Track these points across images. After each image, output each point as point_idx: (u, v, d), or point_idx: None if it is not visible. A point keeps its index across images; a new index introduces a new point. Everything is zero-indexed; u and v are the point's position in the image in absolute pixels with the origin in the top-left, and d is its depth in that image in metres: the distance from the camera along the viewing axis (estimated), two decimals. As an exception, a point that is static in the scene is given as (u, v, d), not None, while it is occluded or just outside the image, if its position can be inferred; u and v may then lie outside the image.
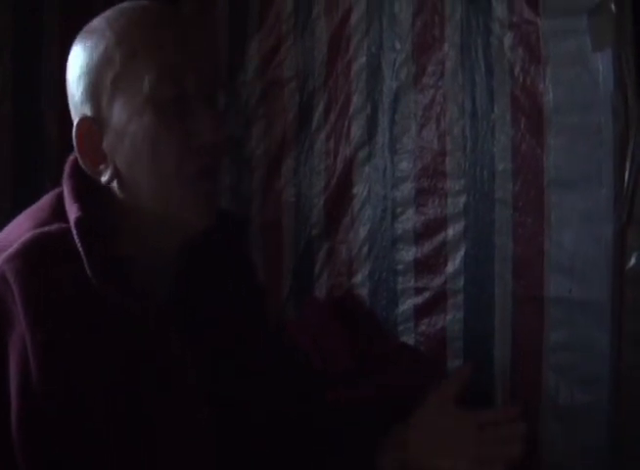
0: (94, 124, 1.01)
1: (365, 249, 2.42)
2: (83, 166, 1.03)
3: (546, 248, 2.01)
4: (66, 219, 1.01)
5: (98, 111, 1.01)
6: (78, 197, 1.02)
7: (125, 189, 1.02)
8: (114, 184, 1.02)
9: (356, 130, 2.43)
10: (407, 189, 2.31)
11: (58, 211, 1.03)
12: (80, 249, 0.98)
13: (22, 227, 1.02)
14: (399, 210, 2.33)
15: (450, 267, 2.22)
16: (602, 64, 1.86)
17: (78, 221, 0.99)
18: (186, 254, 1.09)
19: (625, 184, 1.83)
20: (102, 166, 1.02)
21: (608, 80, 1.85)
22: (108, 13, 1.05)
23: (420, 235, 2.29)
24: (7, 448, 0.94)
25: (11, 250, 0.98)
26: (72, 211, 1.00)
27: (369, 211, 2.41)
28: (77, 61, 1.03)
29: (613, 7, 1.82)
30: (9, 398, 0.95)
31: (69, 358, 0.96)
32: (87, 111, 1.02)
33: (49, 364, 0.95)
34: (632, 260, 1.84)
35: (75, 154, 1.04)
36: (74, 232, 0.98)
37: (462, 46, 2.16)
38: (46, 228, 1.00)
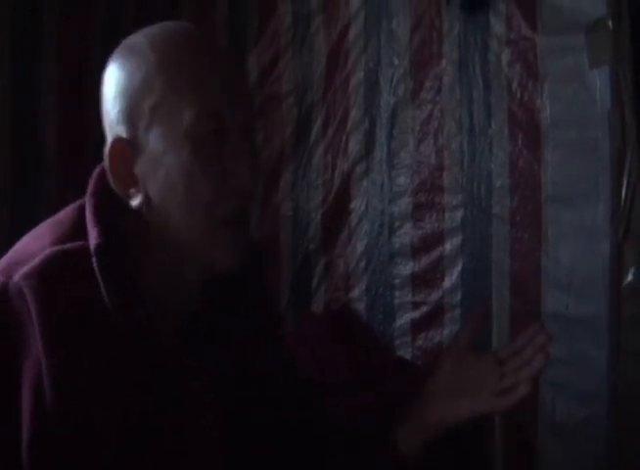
0: (128, 146, 1.00)
1: (362, 263, 2.42)
2: (113, 187, 1.01)
3: (543, 263, 2.01)
4: (86, 236, 1.00)
5: (134, 134, 0.99)
6: (100, 220, 1.01)
7: (154, 217, 1.01)
8: (144, 209, 1.01)
9: (354, 145, 2.43)
10: (405, 204, 2.32)
11: (78, 227, 1.02)
12: (99, 276, 0.97)
13: (41, 241, 1.01)
14: (397, 224, 2.34)
15: (447, 282, 2.22)
16: (599, 80, 1.87)
17: (98, 248, 0.98)
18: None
19: (622, 200, 1.84)
20: (133, 190, 1.01)
21: (605, 97, 1.86)
22: (150, 32, 1.03)
23: (417, 250, 2.29)
24: (17, 468, 0.93)
25: (30, 266, 0.97)
26: (93, 236, 0.99)
27: (366, 226, 2.41)
28: (115, 79, 1.02)
29: (610, 24, 1.83)
30: (20, 416, 0.94)
31: (85, 381, 0.95)
32: (122, 132, 1.00)
33: (64, 386, 0.94)
34: (629, 276, 1.84)
35: (104, 167, 1.02)
36: (94, 259, 0.97)
37: (460, 62, 2.17)
38: (67, 246, 0.99)
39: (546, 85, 1.98)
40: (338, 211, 2.45)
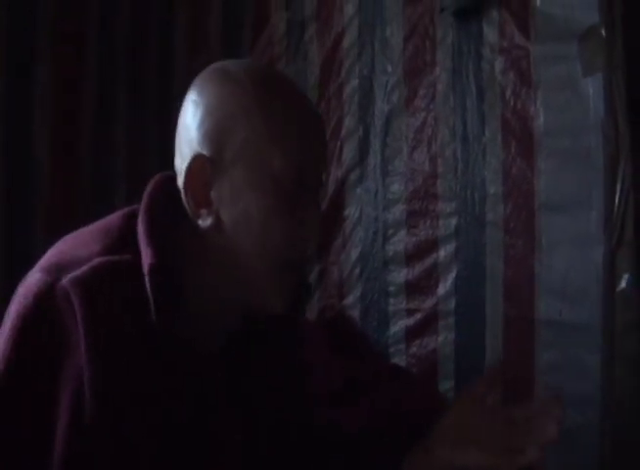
0: (210, 165, 1.00)
1: (357, 270, 2.43)
2: (185, 202, 1.02)
3: (537, 270, 2.02)
4: (135, 248, 1.00)
5: (218, 157, 1.00)
6: (155, 237, 1.01)
7: (221, 243, 1.02)
8: (211, 233, 1.02)
9: (348, 152, 2.44)
10: (399, 211, 2.32)
11: (127, 237, 1.02)
12: (150, 295, 0.97)
13: (88, 248, 1.01)
14: (391, 231, 2.34)
15: (441, 289, 2.23)
16: (592, 88, 1.88)
17: (152, 268, 0.98)
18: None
19: (616, 207, 1.85)
20: (204, 211, 1.01)
21: (598, 105, 1.87)
22: (245, 65, 1.05)
23: (411, 257, 2.30)
24: None
25: (79, 272, 0.96)
26: (147, 254, 0.99)
27: (360, 233, 2.42)
28: (206, 98, 1.02)
29: (603, 32, 1.84)
30: (54, 423, 0.93)
31: (126, 395, 0.95)
32: (205, 151, 1.00)
33: (105, 398, 0.93)
34: (623, 283, 1.85)
35: (179, 184, 1.02)
36: (147, 278, 0.97)
37: (453, 70, 2.18)
38: (116, 258, 0.99)
39: (539, 93, 1.99)
40: (332, 219, 2.46)
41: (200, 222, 1.01)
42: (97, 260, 0.98)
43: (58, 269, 0.97)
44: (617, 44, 1.84)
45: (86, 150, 2.43)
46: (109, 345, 0.94)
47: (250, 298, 1.04)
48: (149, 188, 1.07)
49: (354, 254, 2.43)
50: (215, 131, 1.00)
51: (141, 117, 2.58)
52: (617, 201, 1.84)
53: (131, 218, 1.04)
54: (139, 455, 0.95)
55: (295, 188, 1.01)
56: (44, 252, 1.05)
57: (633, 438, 1.85)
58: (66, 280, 0.95)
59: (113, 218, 1.07)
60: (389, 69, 2.33)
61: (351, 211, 2.44)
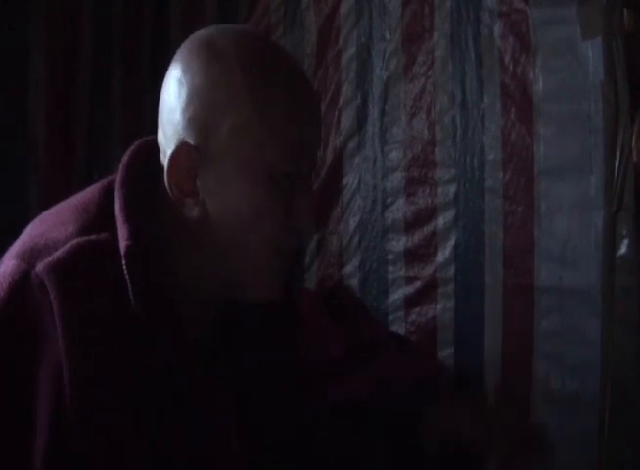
0: (195, 154, 0.95)
1: (355, 239, 2.42)
2: (169, 191, 0.97)
3: (536, 236, 2.01)
4: (113, 226, 0.96)
5: (204, 145, 0.95)
6: (131, 215, 0.96)
7: (206, 232, 0.97)
8: (196, 222, 0.97)
9: (346, 121, 2.42)
10: (397, 179, 2.31)
11: (105, 215, 0.97)
12: (127, 278, 0.93)
13: (65, 228, 0.96)
14: (389, 199, 2.33)
15: (441, 257, 2.22)
16: (592, 52, 1.86)
17: (128, 250, 0.94)
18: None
19: (616, 172, 1.84)
20: (189, 200, 0.97)
21: (598, 68, 1.86)
22: (235, 39, 0.97)
23: (410, 225, 2.29)
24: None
25: (54, 257, 0.92)
26: (123, 235, 0.94)
27: (359, 202, 2.41)
28: (190, 79, 0.95)
29: (602, -5, 1.83)
30: (33, 422, 0.90)
31: (108, 385, 0.92)
32: (190, 139, 0.95)
33: (86, 390, 0.90)
34: (623, 248, 1.85)
35: (164, 162, 0.97)
36: (123, 261, 0.93)
37: (452, 36, 2.16)
38: (93, 238, 0.95)
39: (538, 57, 1.98)
40: (330, 188, 2.44)
41: (185, 211, 0.97)
42: (72, 243, 0.94)
43: (32, 255, 0.94)
44: (616, 7, 1.82)
45: (82, 116, 2.42)
46: (86, 332, 0.91)
47: (235, 285, 1.00)
48: (125, 159, 1.02)
49: (353, 222, 2.42)
50: (201, 118, 0.94)
51: (137, 85, 2.56)
52: (616, 165, 1.83)
53: (109, 192, 1.00)
54: (123, 441, 0.92)
55: (288, 178, 0.96)
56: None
57: (632, 402, 1.85)
58: (41, 266, 0.92)
59: (91, 192, 1.02)
60: (388, 35, 2.31)
61: (350, 180, 2.42)
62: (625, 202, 1.84)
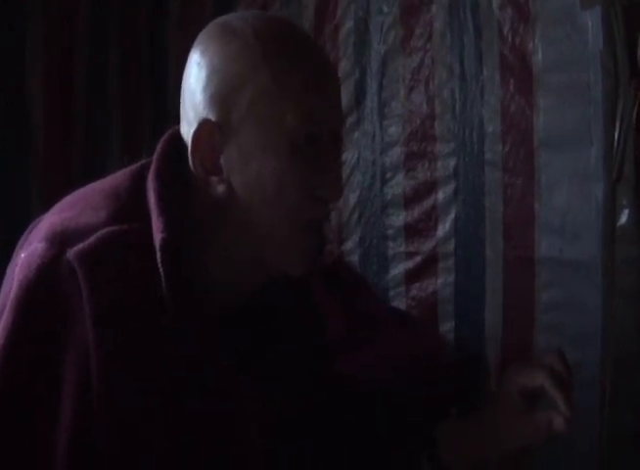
0: (217, 131, 0.96)
1: (355, 215, 2.41)
2: (194, 171, 0.98)
3: (536, 208, 2.00)
4: (145, 214, 0.96)
5: (225, 121, 0.96)
6: (166, 207, 0.96)
7: (234, 210, 0.98)
8: (223, 200, 0.97)
9: (344, 96, 2.37)
10: (396, 154, 2.30)
11: (137, 202, 0.98)
12: (162, 271, 0.93)
13: (97, 214, 0.97)
14: (389, 174, 2.32)
15: (441, 231, 2.22)
16: (591, 21, 1.85)
17: (164, 243, 0.94)
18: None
19: (615, 142, 1.82)
20: (214, 178, 0.98)
21: (597, 38, 1.84)
22: (252, 20, 0.98)
23: (410, 199, 2.28)
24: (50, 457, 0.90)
25: (85, 244, 0.93)
26: (158, 227, 0.95)
27: (358, 177, 2.40)
28: (209, 59, 0.97)
29: (601, -37, 1.81)
30: (58, 410, 0.90)
31: (136, 375, 0.92)
32: (211, 116, 0.96)
33: (114, 379, 0.91)
34: (623, 219, 1.84)
35: (189, 150, 0.98)
36: (158, 254, 0.94)
37: (450, 7, 2.14)
38: (125, 227, 0.95)
39: (537, 27, 1.96)
40: (329, 163, 2.44)
41: (210, 191, 0.98)
42: (103, 231, 0.94)
43: (62, 240, 0.94)
44: (615, -25, 1.81)
45: (80, 101, 2.42)
46: (115, 320, 0.91)
47: (269, 262, 1.00)
48: (159, 148, 1.02)
49: (352, 198, 2.41)
50: (221, 93, 0.96)
51: (135, 69, 2.56)
52: (616, 135, 1.82)
53: (140, 179, 1.00)
54: (147, 428, 0.93)
55: (310, 145, 0.97)
56: (39, 205, 1.02)
57: (633, 374, 1.85)
58: (71, 253, 0.92)
59: (121, 178, 1.02)
60: (385, 9, 2.29)
61: (349, 156, 2.41)
62: (625, 172, 1.83)
